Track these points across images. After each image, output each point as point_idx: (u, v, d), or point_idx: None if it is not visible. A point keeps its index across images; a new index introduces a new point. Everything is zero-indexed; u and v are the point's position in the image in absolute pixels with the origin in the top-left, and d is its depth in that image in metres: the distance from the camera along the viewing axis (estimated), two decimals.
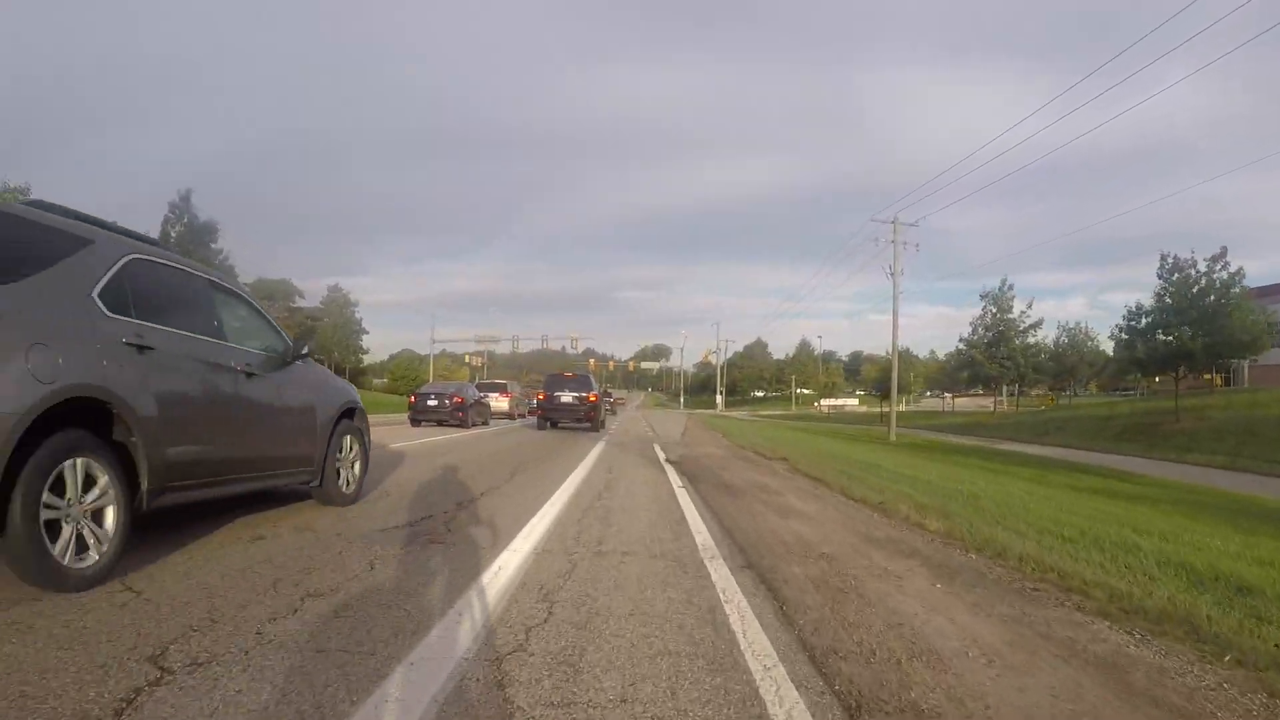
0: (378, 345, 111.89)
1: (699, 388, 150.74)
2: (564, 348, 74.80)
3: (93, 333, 3.46)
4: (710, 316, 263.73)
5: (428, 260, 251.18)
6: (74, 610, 3.05)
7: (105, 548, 3.43)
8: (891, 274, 35.69)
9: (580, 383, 26.78)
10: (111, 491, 3.48)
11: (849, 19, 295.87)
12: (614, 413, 48.20)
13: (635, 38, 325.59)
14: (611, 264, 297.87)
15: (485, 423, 27.33)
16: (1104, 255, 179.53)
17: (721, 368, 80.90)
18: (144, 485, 3.67)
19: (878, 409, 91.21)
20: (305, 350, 5.56)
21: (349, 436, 6.15)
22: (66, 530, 3.25)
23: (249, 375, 4.75)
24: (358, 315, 69.55)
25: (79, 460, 3.31)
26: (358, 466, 6.33)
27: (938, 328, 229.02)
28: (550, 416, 25.45)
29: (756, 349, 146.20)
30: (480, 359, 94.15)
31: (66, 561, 3.22)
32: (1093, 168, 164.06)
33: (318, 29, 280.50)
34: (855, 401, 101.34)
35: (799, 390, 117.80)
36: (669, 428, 29.74)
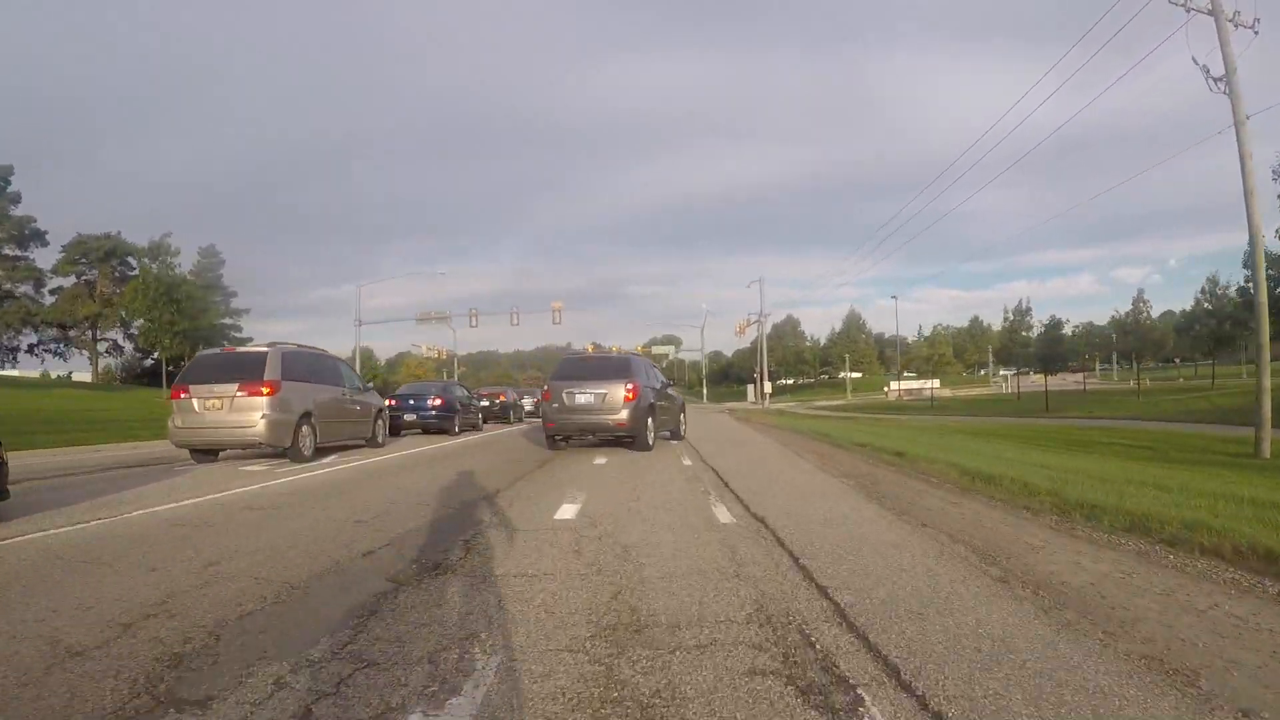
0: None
1: (718, 377, 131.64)
2: (569, 342, 56.52)
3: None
4: (719, 308, 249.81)
5: (432, 261, 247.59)
6: None
7: None
8: (1222, 78, 16.40)
9: (609, 368, 15.36)
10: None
11: (860, 6, 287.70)
12: None
13: (639, 30, 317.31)
14: (618, 259, 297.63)
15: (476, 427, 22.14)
16: (1111, 232, 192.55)
17: (761, 342, 61.41)
18: None
19: (973, 390, 71.66)
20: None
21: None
22: None
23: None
24: (225, 282, 50.50)
25: None
26: None
27: (949, 310, 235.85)
28: (560, 431, 14.95)
29: (787, 328, 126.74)
30: (440, 350, 75.27)
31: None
32: (1101, 143, 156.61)
33: (322, 28, 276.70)
34: (936, 384, 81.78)
35: (847, 374, 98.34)
36: (762, 457, 10.63)
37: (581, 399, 13.95)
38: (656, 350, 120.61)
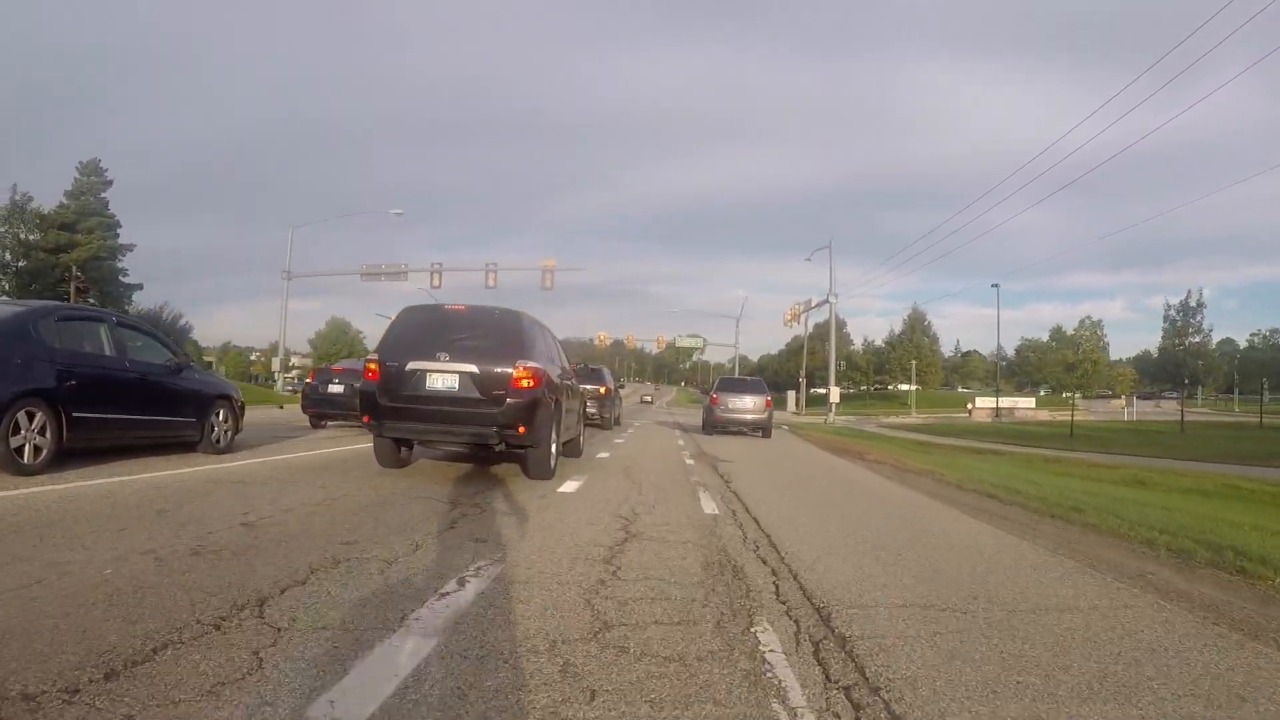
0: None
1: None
2: (591, 337, 42.79)
3: None
4: (745, 312, 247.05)
5: (452, 251, 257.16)
6: None
7: None
8: None
9: (752, 386, 22.54)
10: None
11: (886, 13, 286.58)
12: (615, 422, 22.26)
13: (665, 26, 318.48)
14: (641, 257, 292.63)
15: None
16: (1147, 257, 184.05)
17: (831, 326, 47.47)
18: None
19: (1071, 415, 56.74)
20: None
21: None
22: None
23: None
24: (112, 212, 37.56)
25: None
26: None
27: (977, 329, 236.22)
28: (722, 424, 21.07)
29: (827, 330, 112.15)
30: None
31: None
32: (1142, 167, 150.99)
33: (339, 17, 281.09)
34: (1032, 403, 67.29)
35: (912, 385, 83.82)
36: None
37: (736, 404, 20.54)
38: (681, 345, 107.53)
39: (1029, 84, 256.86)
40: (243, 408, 9.57)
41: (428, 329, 7.81)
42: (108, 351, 7.52)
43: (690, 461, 11.69)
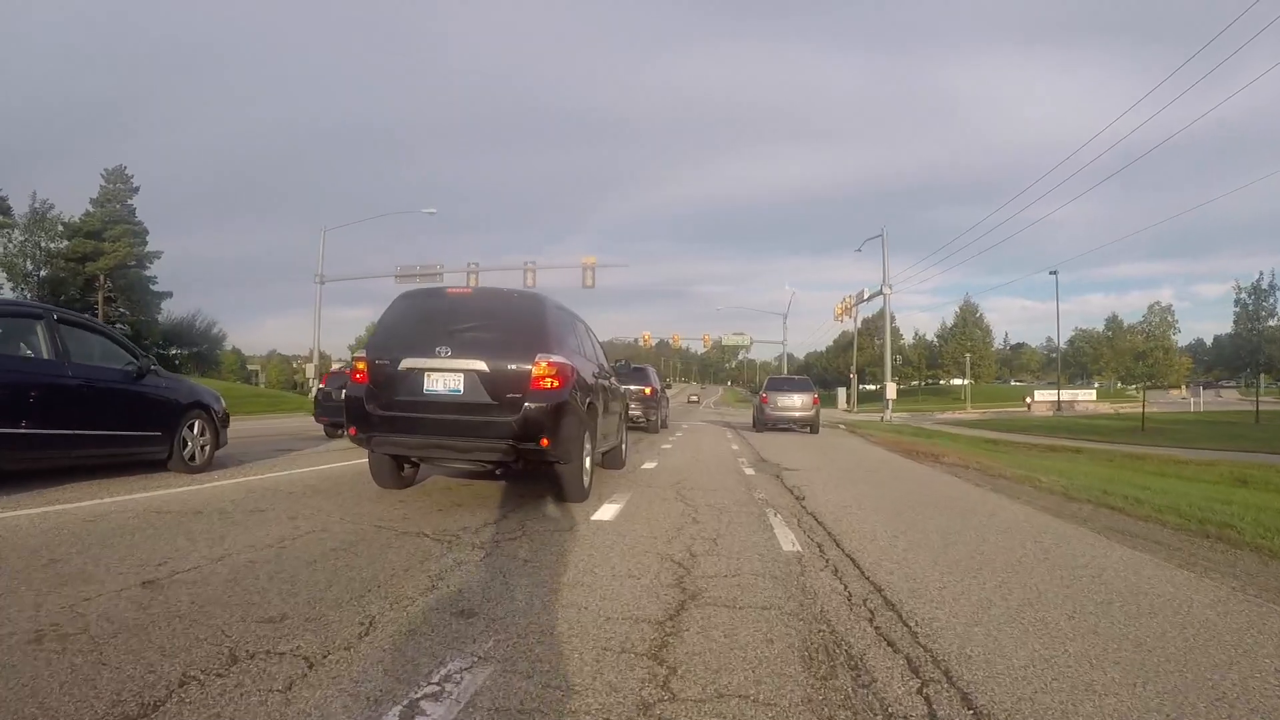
0: None
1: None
2: (635, 338, 41.89)
3: None
4: (789, 307, 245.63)
5: (495, 256, 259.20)
6: None
7: None
8: None
9: (799, 384, 24.10)
10: None
11: (931, 6, 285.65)
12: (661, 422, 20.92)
13: (709, 24, 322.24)
14: (686, 257, 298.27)
15: None
16: (1194, 246, 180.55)
17: (886, 318, 45.74)
18: None
19: (1134, 405, 53.44)
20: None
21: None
22: None
23: None
24: (140, 219, 37.17)
25: None
26: None
27: (1020, 322, 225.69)
28: (770, 420, 23.04)
29: (878, 325, 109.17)
30: None
31: None
32: (1190, 153, 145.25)
33: (384, 16, 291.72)
34: (1092, 395, 64.17)
35: (966, 379, 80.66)
36: None
37: (785, 402, 22.19)
38: (727, 343, 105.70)
39: (1074, 74, 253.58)
40: (225, 418, 8.30)
41: (426, 319, 6.40)
42: (44, 354, 6.26)
43: (750, 471, 10.12)
